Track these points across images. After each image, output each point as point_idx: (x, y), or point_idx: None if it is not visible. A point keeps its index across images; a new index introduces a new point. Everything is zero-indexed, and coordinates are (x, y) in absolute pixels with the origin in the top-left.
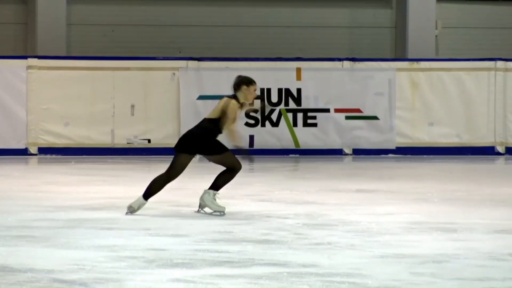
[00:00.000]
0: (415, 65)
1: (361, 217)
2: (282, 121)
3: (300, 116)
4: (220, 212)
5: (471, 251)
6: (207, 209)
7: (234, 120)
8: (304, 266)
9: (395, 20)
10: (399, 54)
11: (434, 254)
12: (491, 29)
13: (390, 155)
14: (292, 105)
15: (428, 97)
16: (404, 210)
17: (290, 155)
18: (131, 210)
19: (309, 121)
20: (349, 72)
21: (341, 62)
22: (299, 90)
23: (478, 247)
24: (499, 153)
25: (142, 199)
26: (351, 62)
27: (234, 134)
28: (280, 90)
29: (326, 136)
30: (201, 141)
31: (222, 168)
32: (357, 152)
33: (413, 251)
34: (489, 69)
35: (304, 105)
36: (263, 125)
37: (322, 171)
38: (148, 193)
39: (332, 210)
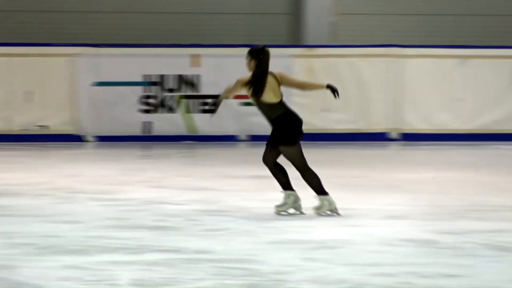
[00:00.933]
0: (311, 51)
1: (256, 203)
2: (179, 107)
3: (196, 102)
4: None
5: (364, 236)
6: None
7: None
8: (198, 252)
9: (291, 6)
10: (296, 40)
11: (327, 239)
12: (388, 15)
13: None
14: (189, 91)
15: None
16: (299, 196)
17: (186, 142)
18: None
19: (205, 107)
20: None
21: (238, 49)
22: (196, 77)
23: (371, 232)
24: (392, 139)
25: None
26: (246, 48)
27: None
28: (177, 77)
29: (222, 123)
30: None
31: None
32: (253, 138)
33: (306, 237)
34: (385, 55)
35: (201, 91)
36: (160, 111)
37: (218, 157)
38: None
39: (227, 196)
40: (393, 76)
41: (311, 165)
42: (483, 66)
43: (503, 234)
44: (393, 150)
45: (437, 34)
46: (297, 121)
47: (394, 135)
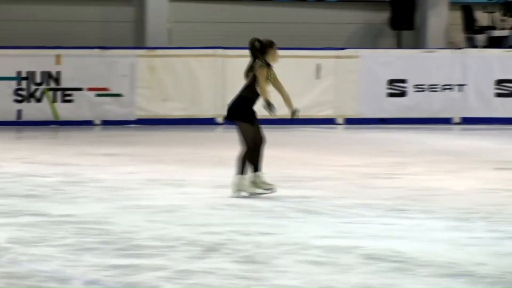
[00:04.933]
0: (152, 52)
1: (108, 176)
2: (45, 98)
3: (59, 94)
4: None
5: (196, 202)
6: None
7: (264, 81)
8: (62, 216)
9: (136, 15)
10: (140, 43)
11: (166, 205)
12: (213, 23)
13: (132, 125)
14: (53, 85)
15: (163, 78)
16: (143, 169)
17: (51, 126)
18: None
19: (66, 98)
20: (100, 58)
21: (93, 50)
22: (59, 73)
23: (202, 199)
24: (219, 123)
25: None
26: (101, 50)
27: (264, 92)
28: (43, 73)
29: (80, 110)
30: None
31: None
32: (106, 123)
33: (149, 203)
34: (211, 55)
35: (63, 85)
36: (29, 101)
37: (77, 139)
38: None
39: (85, 170)
40: (218, 72)
41: (154, 145)
42: (291, 64)
43: (308, 199)
44: (219, 132)
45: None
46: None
47: (220, 120)
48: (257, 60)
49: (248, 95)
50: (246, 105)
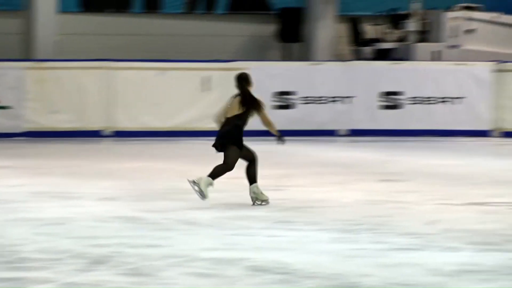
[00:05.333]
0: (40, 64)
1: None
2: None
3: None
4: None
5: (83, 214)
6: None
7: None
8: None
9: (24, 27)
10: (28, 55)
11: (53, 217)
12: (101, 35)
13: (20, 138)
14: None
15: (51, 91)
16: (30, 182)
17: None
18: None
19: None
20: None
21: None
22: None
23: (88, 211)
24: (107, 136)
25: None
26: None
27: (272, 124)
28: None
29: None
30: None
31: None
32: None
33: (36, 216)
34: (100, 68)
35: None
36: None
37: None
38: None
39: None
40: (107, 84)
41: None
42: (177, 76)
43: (192, 211)
44: (106, 144)
45: (141, 50)
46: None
47: (108, 132)
48: (249, 93)
49: (241, 124)
50: (240, 132)
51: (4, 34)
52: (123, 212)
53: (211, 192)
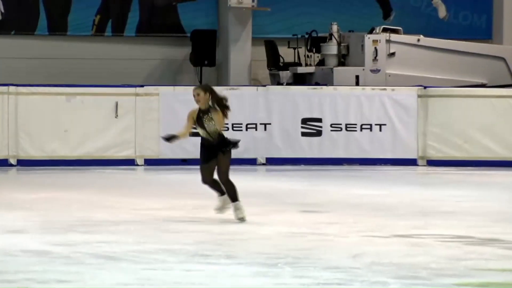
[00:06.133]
0: None
1: None
2: None
3: None
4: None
5: None
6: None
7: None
8: None
9: None
10: None
11: None
12: (4, 58)
13: None
14: None
15: None
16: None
17: None
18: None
19: None
20: None
21: None
22: None
23: None
24: (12, 165)
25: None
26: None
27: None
28: None
29: None
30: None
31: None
32: None
33: None
34: (2, 93)
35: None
36: None
37: None
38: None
39: None
40: (10, 110)
41: None
42: (88, 102)
43: (105, 245)
44: (12, 174)
45: (47, 75)
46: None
47: (12, 161)
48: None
49: None
50: None
51: None
52: (30, 245)
53: (123, 223)
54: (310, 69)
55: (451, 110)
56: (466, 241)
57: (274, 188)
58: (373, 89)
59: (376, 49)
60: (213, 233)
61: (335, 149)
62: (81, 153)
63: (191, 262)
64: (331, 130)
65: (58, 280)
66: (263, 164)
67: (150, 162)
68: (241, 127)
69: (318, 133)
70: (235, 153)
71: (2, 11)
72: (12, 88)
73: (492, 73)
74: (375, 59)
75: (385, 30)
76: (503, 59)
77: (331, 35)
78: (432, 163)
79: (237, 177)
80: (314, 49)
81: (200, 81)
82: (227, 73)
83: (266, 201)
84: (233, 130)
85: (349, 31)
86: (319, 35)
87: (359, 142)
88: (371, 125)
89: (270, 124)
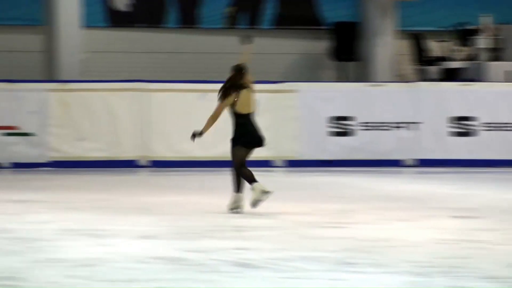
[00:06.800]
0: (64, 86)
1: (18, 225)
2: None
3: None
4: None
5: (119, 255)
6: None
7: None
8: None
9: (45, 45)
10: (50, 76)
11: (86, 258)
12: (133, 53)
13: (45, 168)
14: None
15: (77, 115)
16: (58, 218)
17: None
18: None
19: None
20: (5, 92)
21: None
22: None
23: (124, 251)
24: (142, 166)
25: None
26: (7, 83)
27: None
28: None
29: None
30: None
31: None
32: (15, 165)
33: (65, 256)
34: (132, 89)
35: None
36: None
37: None
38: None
39: None
40: (140, 108)
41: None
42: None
43: (243, 251)
44: (141, 176)
45: (177, 70)
46: None
47: (143, 162)
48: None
49: None
50: None
51: (23, 52)
52: (163, 252)
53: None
54: (460, 64)
55: None
56: None
57: (423, 191)
58: None
59: None
60: (359, 240)
61: (488, 150)
62: (215, 154)
63: (336, 271)
64: (485, 130)
65: None
66: (411, 166)
67: (290, 164)
68: (387, 126)
69: (471, 133)
70: (380, 155)
71: (127, 2)
72: (141, 85)
73: None
74: None
75: None
76: None
77: (481, 27)
78: None
79: (382, 179)
80: (463, 43)
81: (342, 77)
82: (371, 68)
83: (414, 205)
84: (378, 129)
85: (502, 23)
86: (469, 27)
87: None
88: None
89: (418, 123)
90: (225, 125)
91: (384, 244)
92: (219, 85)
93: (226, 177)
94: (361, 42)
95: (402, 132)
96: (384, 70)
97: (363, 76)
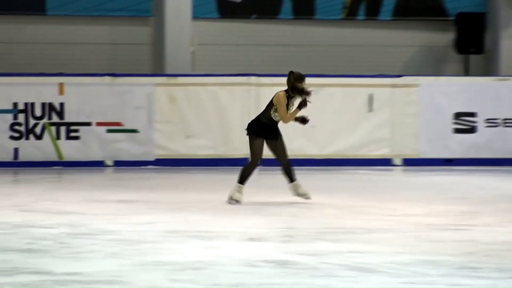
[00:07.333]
0: (172, 80)
1: (121, 226)
2: (46, 134)
3: (63, 129)
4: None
5: (227, 258)
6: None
7: (282, 107)
8: (67, 274)
9: (153, 37)
10: (157, 69)
11: (191, 261)
12: (244, 45)
13: (150, 166)
14: (55, 119)
15: (185, 111)
16: (163, 219)
17: (54, 167)
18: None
19: (71, 134)
20: (109, 87)
21: (102, 78)
22: (62, 104)
23: (233, 254)
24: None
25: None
26: (111, 77)
27: (286, 118)
28: (43, 104)
29: (88, 149)
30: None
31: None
32: (118, 164)
33: (171, 259)
34: (242, 84)
35: (67, 118)
36: (27, 138)
37: (84, 182)
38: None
39: (94, 220)
40: (251, 104)
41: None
42: (337, 94)
43: (359, 255)
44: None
45: (291, 64)
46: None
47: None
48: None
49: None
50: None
51: (129, 44)
52: (274, 255)
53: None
54: None
55: None
56: None
57: None
58: None
59: None
60: (481, 243)
61: None
62: (330, 152)
63: (457, 276)
64: None
65: None
66: None
67: (409, 162)
68: None
69: None
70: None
71: None
72: (253, 79)
73: None
74: None
75: None
76: None
77: None
78: None
79: (509, 179)
80: None
81: (467, 71)
82: (497, 61)
83: None
84: (503, 126)
85: None
86: None
87: None
88: None
89: None
90: (340, 120)
91: (509, 248)
92: (334, 80)
93: (341, 176)
94: (487, 34)
95: None
96: (511, 64)
97: (488, 69)
